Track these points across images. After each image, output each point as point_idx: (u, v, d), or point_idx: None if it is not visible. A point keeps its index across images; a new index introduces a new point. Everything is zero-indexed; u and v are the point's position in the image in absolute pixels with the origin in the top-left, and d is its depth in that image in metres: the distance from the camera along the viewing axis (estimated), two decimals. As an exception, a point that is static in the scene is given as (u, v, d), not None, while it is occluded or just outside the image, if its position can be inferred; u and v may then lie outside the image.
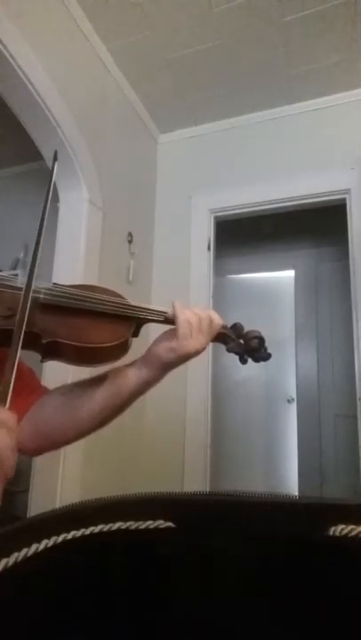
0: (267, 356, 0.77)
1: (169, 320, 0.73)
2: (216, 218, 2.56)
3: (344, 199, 2.28)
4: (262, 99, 2.39)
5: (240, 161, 2.52)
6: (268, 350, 0.77)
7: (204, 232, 2.52)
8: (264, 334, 0.78)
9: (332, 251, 3.74)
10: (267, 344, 0.77)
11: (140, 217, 2.48)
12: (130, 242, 2.31)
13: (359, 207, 2.21)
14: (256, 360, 0.77)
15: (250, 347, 0.76)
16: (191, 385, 2.30)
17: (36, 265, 0.66)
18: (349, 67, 2.15)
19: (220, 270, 3.04)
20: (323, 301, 3.81)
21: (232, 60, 2.13)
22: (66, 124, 1.78)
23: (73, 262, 1.86)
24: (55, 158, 0.82)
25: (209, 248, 2.50)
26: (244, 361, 0.78)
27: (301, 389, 3.72)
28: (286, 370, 3.77)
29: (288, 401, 3.79)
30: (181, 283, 2.47)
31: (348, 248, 2.25)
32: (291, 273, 4.00)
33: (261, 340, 0.76)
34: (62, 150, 1.81)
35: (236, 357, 0.79)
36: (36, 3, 1.67)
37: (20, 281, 0.67)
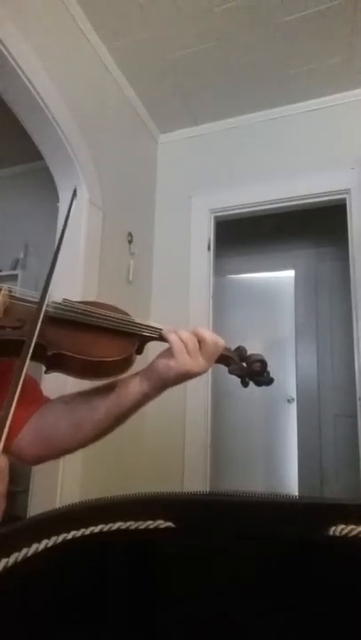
0: (269, 381, 0.77)
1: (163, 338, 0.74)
2: (216, 218, 2.56)
3: (344, 199, 2.28)
4: (262, 99, 2.39)
5: (240, 161, 2.52)
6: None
7: (204, 232, 2.52)
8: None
9: (332, 251, 3.74)
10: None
11: (140, 217, 2.48)
12: (130, 242, 2.31)
13: (359, 207, 2.21)
14: (258, 384, 0.77)
15: (252, 370, 0.76)
16: (191, 385, 2.29)
17: (50, 285, 0.67)
18: (349, 67, 2.15)
19: (220, 270, 3.05)
20: (323, 301, 3.81)
21: (232, 60, 2.13)
22: (66, 124, 1.78)
23: (73, 262, 1.86)
24: (74, 195, 0.83)
25: (209, 248, 2.50)
26: (245, 384, 0.77)
27: (301, 389, 3.72)
28: (286, 370, 3.76)
29: (288, 401, 3.79)
30: (181, 283, 2.47)
31: (348, 248, 2.25)
32: (291, 273, 4.00)
33: (264, 363, 0.76)
34: (62, 150, 1.81)
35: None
36: (36, 3, 1.67)
37: (31, 294, 0.69)
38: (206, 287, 2.45)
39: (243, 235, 3.60)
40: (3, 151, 3.01)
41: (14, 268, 2.98)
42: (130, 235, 2.31)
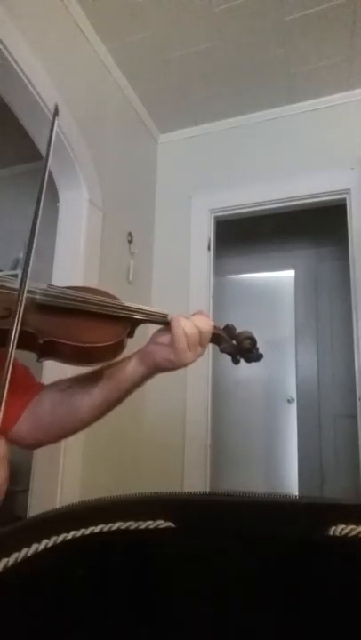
0: (258, 357, 0.78)
1: (167, 323, 0.74)
2: (216, 218, 2.56)
3: (344, 199, 2.28)
4: (262, 99, 2.39)
5: (240, 161, 2.52)
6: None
7: (204, 232, 2.52)
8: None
9: (332, 251, 3.74)
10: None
11: (140, 217, 2.48)
12: (130, 242, 2.31)
13: (359, 207, 2.21)
14: (248, 360, 0.78)
15: (242, 347, 0.77)
16: (191, 385, 2.30)
17: (30, 263, 0.66)
18: (349, 67, 2.15)
19: (220, 270, 3.05)
20: (323, 301, 3.81)
21: (232, 60, 2.13)
22: (66, 124, 1.78)
23: (73, 262, 1.86)
24: (56, 112, 0.81)
25: (209, 248, 2.50)
26: (236, 361, 0.79)
27: (301, 389, 3.72)
28: (286, 370, 3.77)
29: (288, 401, 3.79)
30: (181, 283, 2.47)
31: (348, 248, 2.25)
32: (291, 273, 4.00)
33: (253, 340, 0.77)
34: (62, 150, 1.81)
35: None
36: (37, 3, 1.67)
37: (17, 282, 0.68)
38: (206, 287, 2.45)
39: (243, 235, 3.60)
40: (3, 151, 3.01)
41: (14, 268, 2.98)
42: (130, 235, 2.31)
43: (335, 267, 3.63)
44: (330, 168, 2.29)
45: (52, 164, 1.95)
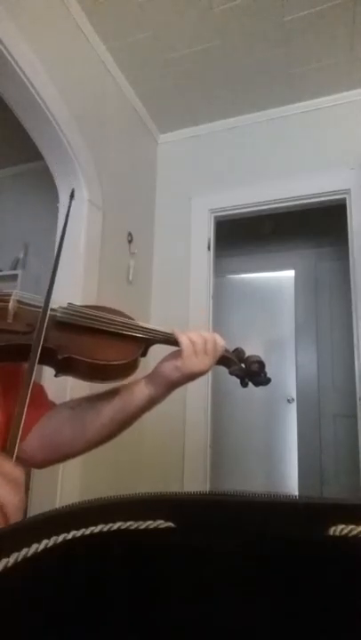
0: (266, 381, 0.80)
1: (175, 342, 0.76)
2: (216, 218, 2.56)
3: (344, 199, 2.28)
4: (262, 99, 2.40)
5: (240, 161, 2.52)
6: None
7: (204, 232, 2.52)
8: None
9: (332, 251, 3.74)
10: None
11: (140, 217, 2.48)
12: (130, 242, 2.31)
13: (359, 207, 2.21)
14: (256, 384, 0.80)
15: (251, 371, 0.80)
16: (191, 385, 2.29)
17: (53, 288, 0.70)
18: (350, 67, 2.15)
19: (220, 270, 3.05)
20: (323, 301, 3.81)
21: (232, 60, 2.13)
22: (66, 124, 1.78)
23: (73, 262, 1.86)
24: (72, 196, 0.85)
25: (209, 248, 2.50)
26: (245, 384, 0.81)
27: (301, 389, 3.72)
28: (286, 370, 3.76)
29: (288, 401, 3.79)
30: (181, 283, 2.47)
31: (348, 248, 2.25)
32: (291, 273, 4.00)
33: (262, 364, 0.79)
34: (62, 150, 1.81)
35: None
36: (36, 2, 1.67)
37: (40, 299, 0.71)
38: (206, 287, 2.45)
39: (243, 235, 3.60)
40: (3, 151, 3.01)
41: (14, 268, 2.98)
42: (130, 235, 2.31)
43: (335, 267, 3.63)
44: (330, 168, 2.30)
45: (51, 164, 1.95)
